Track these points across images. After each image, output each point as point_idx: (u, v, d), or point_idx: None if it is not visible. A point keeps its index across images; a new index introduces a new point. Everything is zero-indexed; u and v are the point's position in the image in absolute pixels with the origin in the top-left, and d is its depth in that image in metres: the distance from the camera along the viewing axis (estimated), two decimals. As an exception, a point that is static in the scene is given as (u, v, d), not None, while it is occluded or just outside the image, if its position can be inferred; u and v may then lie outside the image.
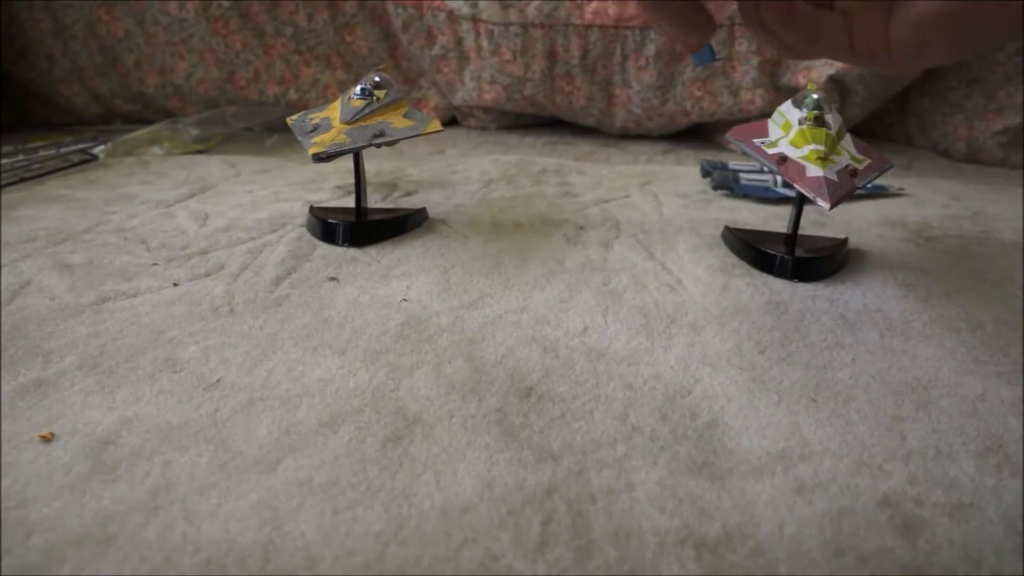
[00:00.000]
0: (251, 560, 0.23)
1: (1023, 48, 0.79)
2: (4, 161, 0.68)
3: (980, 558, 0.24)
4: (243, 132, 0.87)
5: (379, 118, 0.49)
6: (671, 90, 0.86)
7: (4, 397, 0.31)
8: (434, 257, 0.48)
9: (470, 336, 0.38)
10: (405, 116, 0.50)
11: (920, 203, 0.65)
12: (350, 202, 0.54)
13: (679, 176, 0.73)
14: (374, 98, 0.49)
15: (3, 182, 0.62)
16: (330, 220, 0.50)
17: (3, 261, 0.45)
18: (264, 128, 0.87)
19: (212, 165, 0.72)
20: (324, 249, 0.49)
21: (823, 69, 0.81)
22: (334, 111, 0.50)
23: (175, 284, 0.43)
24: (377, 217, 0.52)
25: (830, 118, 0.45)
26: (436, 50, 0.90)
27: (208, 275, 0.45)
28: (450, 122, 1.00)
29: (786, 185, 0.65)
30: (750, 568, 0.23)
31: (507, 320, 0.40)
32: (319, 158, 0.44)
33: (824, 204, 0.40)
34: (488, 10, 0.84)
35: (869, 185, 0.52)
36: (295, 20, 0.89)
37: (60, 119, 0.96)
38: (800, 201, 0.48)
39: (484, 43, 0.86)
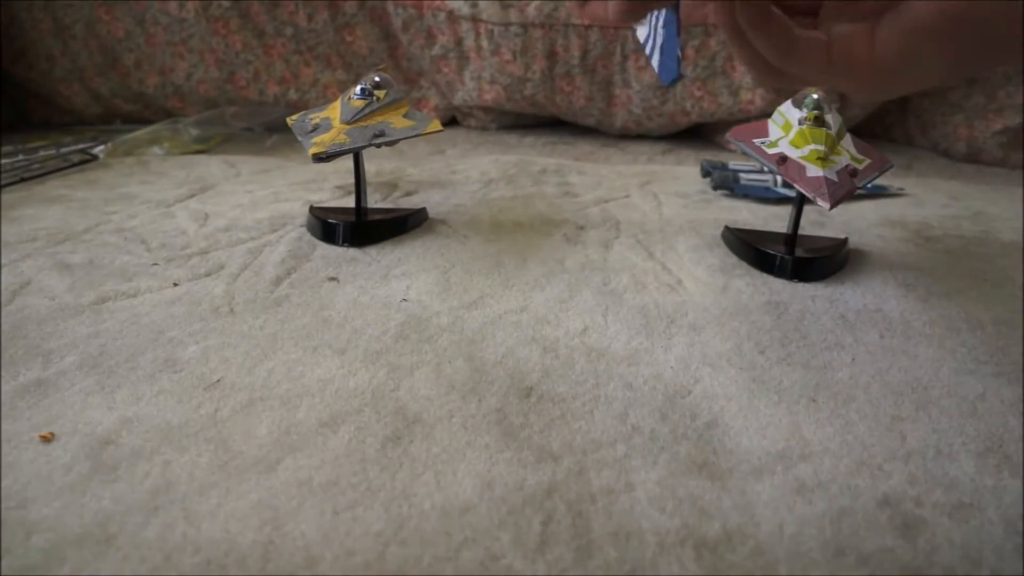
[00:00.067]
0: (251, 560, 0.23)
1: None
2: (4, 161, 0.68)
3: (980, 558, 0.24)
4: (243, 132, 0.87)
5: (379, 118, 0.49)
6: (671, 90, 0.86)
7: (4, 397, 0.31)
8: (434, 257, 0.48)
9: (470, 336, 0.38)
10: (405, 116, 0.50)
11: (920, 203, 0.65)
12: (350, 202, 0.54)
13: (679, 176, 0.73)
14: (374, 98, 0.49)
15: (3, 182, 0.62)
16: (330, 220, 0.50)
17: (3, 261, 0.45)
18: (264, 128, 0.87)
19: (212, 165, 0.72)
20: (324, 249, 0.49)
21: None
22: (334, 111, 0.50)
23: (175, 284, 0.43)
24: (377, 217, 0.52)
25: (830, 118, 0.45)
26: (436, 50, 0.90)
27: (208, 275, 0.45)
28: (450, 122, 1.00)
29: (786, 185, 0.65)
30: (750, 568, 0.23)
31: (507, 320, 0.40)
32: (319, 158, 0.44)
33: (824, 204, 0.40)
34: (488, 10, 0.84)
35: (869, 185, 0.52)
36: (295, 20, 0.89)
37: (60, 119, 0.96)
38: (800, 201, 0.48)
39: (484, 43, 0.86)
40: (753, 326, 0.40)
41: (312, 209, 0.53)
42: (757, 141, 0.47)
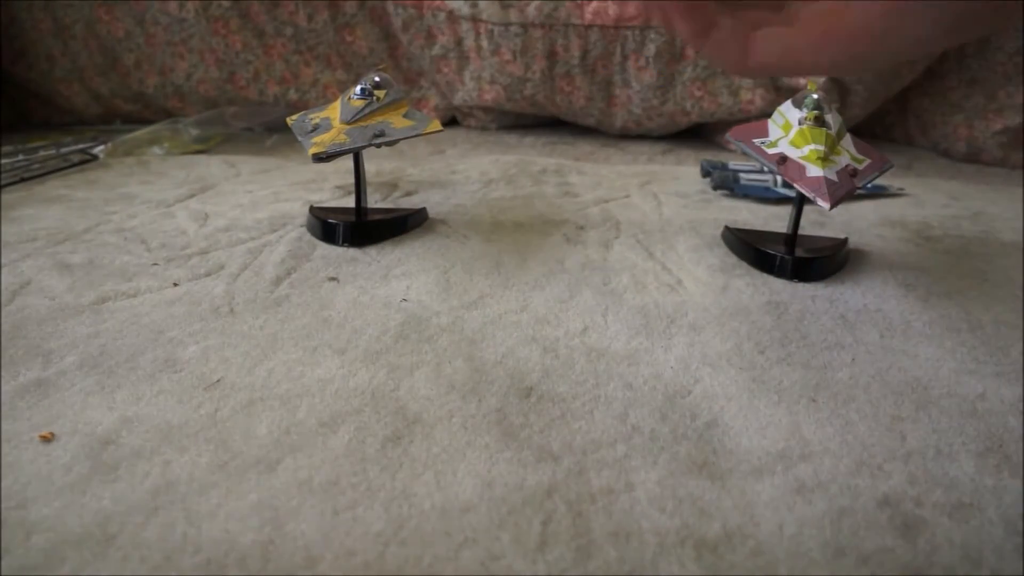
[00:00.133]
0: (251, 560, 0.23)
1: (1023, 48, 0.79)
2: (4, 161, 0.68)
3: (980, 558, 0.24)
4: (243, 132, 0.87)
5: (379, 118, 0.49)
6: (671, 90, 0.86)
7: (4, 397, 0.31)
8: (434, 257, 0.48)
9: (470, 336, 0.38)
10: (405, 116, 0.50)
11: (920, 203, 0.65)
12: (350, 202, 0.54)
13: (679, 176, 0.73)
14: (374, 98, 0.49)
15: (3, 182, 0.62)
16: (330, 220, 0.50)
17: (3, 261, 0.45)
18: (264, 128, 0.87)
19: (212, 165, 0.72)
20: (324, 249, 0.49)
21: (823, 69, 0.80)
22: (334, 111, 0.50)
23: (175, 284, 0.43)
24: (377, 217, 0.52)
25: (830, 118, 0.45)
26: (436, 50, 0.90)
27: (208, 275, 0.45)
28: (450, 122, 1.00)
29: (786, 185, 0.65)
30: (750, 568, 0.23)
31: (507, 320, 0.40)
32: (319, 158, 0.44)
33: (824, 204, 0.40)
34: (488, 10, 0.84)
35: (869, 185, 0.52)
36: (295, 20, 0.89)
37: (60, 119, 0.96)
38: (800, 201, 0.48)
39: (484, 43, 0.86)
40: (753, 326, 0.40)
41: (312, 209, 0.53)
42: (757, 141, 0.47)
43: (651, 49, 0.83)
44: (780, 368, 0.35)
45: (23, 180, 0.64)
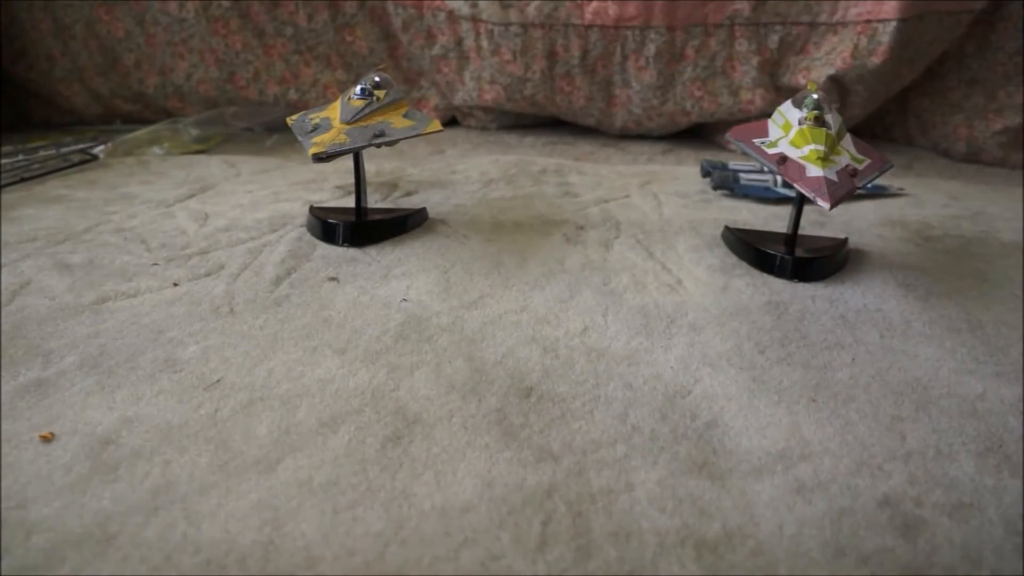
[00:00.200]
0: (251, 560, 0.23)
1: (1023, 48, 0.79)
2: (4, 161, 0.68)
3: (980, 558, 0.24)
4: (243, 132, 0.87)
5: (379, 118, 0.49)
6: (671, 90, 0.86)
7: (4, 397, 0.31)
8: (434, 257, 0.48)
9: (470, 336, 0.38)
10: (405, 116, 0.50)
11: (920, 203, 0.65)
12: (350, 202, 0.54)
13: (679, 176, 0.73)
14: (374, 98, 0.49)
15: (3, 182, 0.62)
16: (330, 220, 0.50)
17: (3, 261, 0.45)
18: (264, 128, 0.87)
19: (212, 165, 0.72)
20: (324, 249, 0.49)
21: (823, 69, 0.80)
22: (334, 111, 0.50)
23: (175, 284, 0.43)
24: (377, 217, 0.52)
25: (830, 118, 0.45)
26: (436, 50, 0.90)
27: (208, 275, 0.45)
28: (450, 122, 1.00)
29: (786, 185, 0.65)
30: (750, 568, 0.23)
31: (507, 320, 0.40)
32: (319, 158, 0.44)
33: (824, 204, 0.40)
34: (488, 10, 0.84)
35: (869, 185, 0.52)
36: (295, 20, 0.89)
37: (60, 119, 0.96)
38: (800, 201, 0.48)
39: (484, 43, 0.86)
40: (753, 326, 0.40)
41: (312, 209, 0.53)
42: (757, 141, 0.47)
43: (651, 49, 0.83)
44: (780, 368, 0.35)
45: (23, 180, 0.64)
